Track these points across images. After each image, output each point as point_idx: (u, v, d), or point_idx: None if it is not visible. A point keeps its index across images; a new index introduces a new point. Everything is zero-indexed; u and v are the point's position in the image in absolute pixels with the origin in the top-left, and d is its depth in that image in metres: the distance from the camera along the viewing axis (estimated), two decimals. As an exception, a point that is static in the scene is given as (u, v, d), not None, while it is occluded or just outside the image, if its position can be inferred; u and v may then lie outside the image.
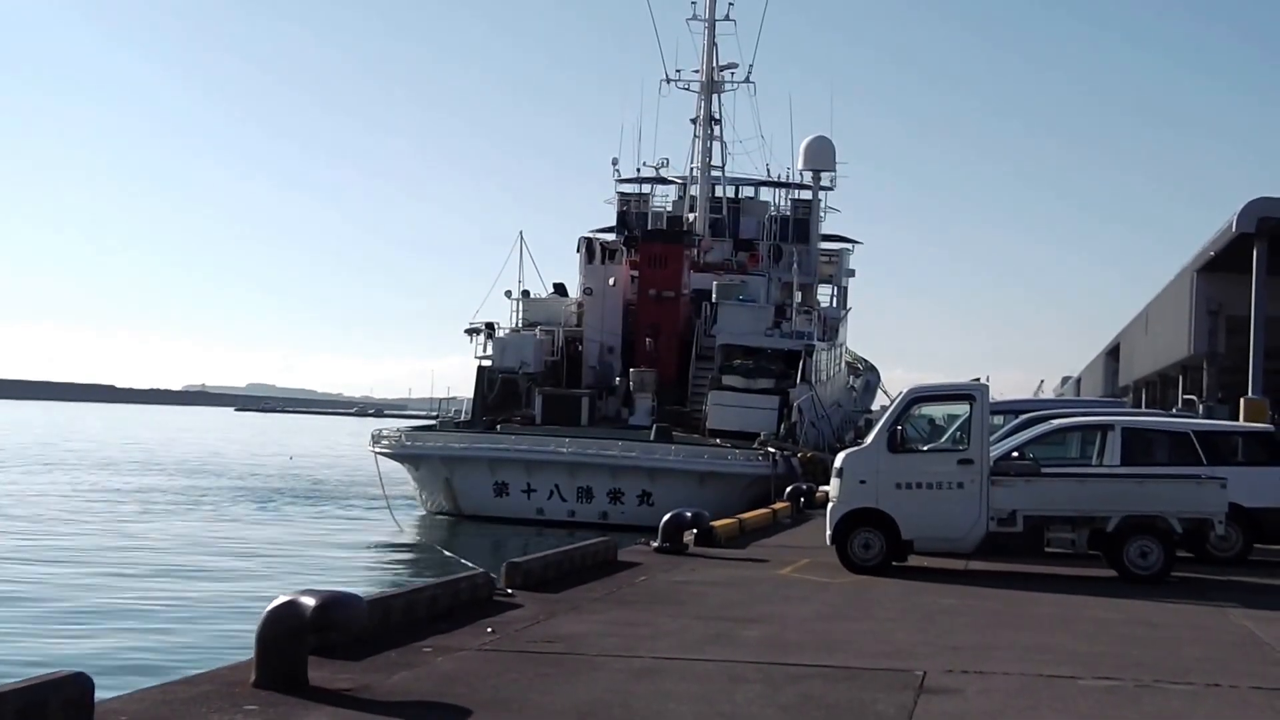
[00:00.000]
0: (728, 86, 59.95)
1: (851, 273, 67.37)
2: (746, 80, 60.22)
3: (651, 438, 43.04)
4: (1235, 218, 47.07)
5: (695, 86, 59.51)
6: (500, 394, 48.66)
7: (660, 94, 60.00)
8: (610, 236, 57.96)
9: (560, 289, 55.25)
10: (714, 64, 59.21)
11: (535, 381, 49.01)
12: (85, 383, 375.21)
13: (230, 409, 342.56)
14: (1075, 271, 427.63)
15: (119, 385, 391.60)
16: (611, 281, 51.21)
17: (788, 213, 63.22)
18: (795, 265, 57.69)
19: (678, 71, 59.95)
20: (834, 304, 65.30)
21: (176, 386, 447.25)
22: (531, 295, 53.42)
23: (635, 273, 51.74)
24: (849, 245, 67.69)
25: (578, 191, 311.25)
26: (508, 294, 53.44)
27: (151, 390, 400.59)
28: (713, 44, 59.13)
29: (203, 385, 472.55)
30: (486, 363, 49.84)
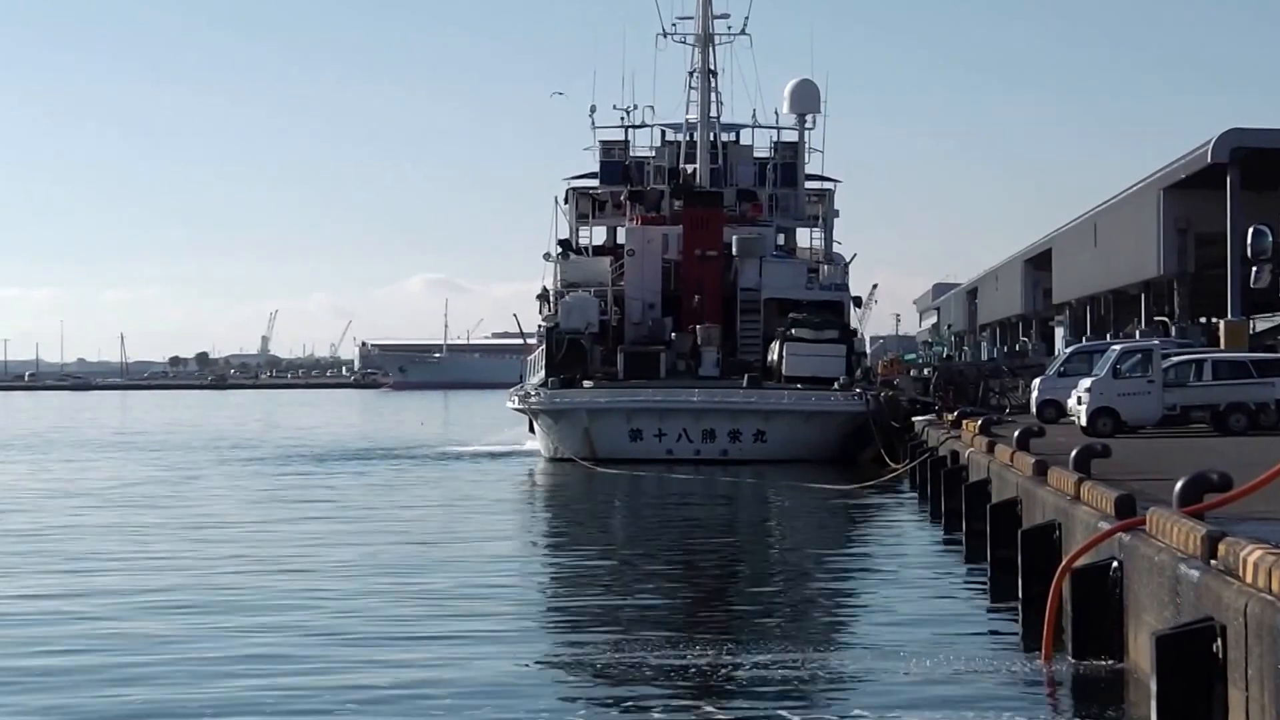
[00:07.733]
0: (722, 39, 61.68)
1: (837, 213, 71.21)
2: (743, 32, 61.81)
3: (745, 385, 48.93)
4: (1210, 148, 51.62)
5: (691, 39, 61.27)
6: (567, 354, 52.82)
7: (657, 48, 61.06)
8: (593, 183, 61.30)
9: (565, 245, 59.43)
10: (709, 15, 61.10)
11: (593, 341, 53.39)
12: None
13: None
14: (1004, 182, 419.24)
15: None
16: (650, 241, 55.53)
17: (769, 156, 64.07)
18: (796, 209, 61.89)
19: (674, 25, 61.27)
20: (824, 245, 68.92)
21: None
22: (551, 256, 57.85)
23: (664, 230, 56.15)
24: (831, 184, 71.05)
25: (551, 142, 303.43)
26: (546, 256, 57.89)
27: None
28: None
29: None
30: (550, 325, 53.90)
